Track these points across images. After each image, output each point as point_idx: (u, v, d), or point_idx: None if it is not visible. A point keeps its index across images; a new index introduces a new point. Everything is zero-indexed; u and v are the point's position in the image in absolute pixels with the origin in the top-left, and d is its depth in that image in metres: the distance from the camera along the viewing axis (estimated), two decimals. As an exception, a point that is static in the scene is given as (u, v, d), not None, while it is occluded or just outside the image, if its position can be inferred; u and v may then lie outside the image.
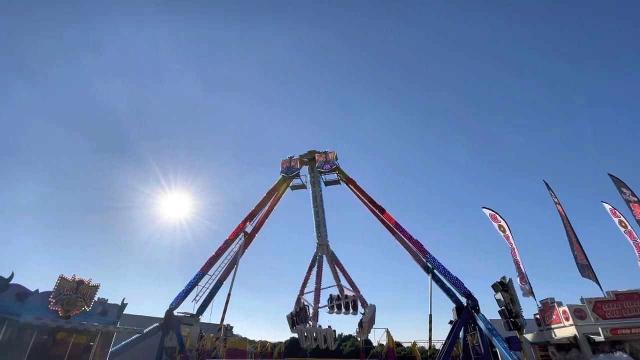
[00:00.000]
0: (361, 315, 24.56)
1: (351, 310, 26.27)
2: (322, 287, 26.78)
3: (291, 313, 24.84)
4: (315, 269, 27.61)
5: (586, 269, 17.95)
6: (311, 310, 25.72)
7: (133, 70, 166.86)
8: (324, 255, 28.01)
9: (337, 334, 61.66)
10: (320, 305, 26.05)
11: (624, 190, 19.16)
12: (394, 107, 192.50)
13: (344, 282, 27.32)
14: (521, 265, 20.14)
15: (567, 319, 15.75)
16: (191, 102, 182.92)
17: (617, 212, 19.47)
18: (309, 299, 26.30)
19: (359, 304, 26.11)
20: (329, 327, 23.36)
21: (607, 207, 20.05)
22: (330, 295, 27.47)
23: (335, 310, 26.50)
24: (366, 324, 23.35)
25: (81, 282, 14.72)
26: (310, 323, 24.46)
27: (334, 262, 27.73)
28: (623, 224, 18.85)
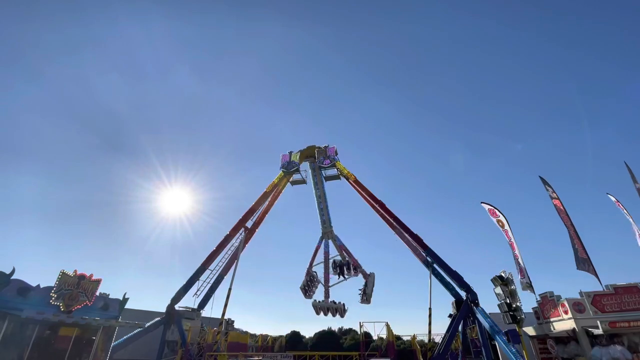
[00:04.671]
0: (363, 284, 27.03)
1: (352, 272, 28.30)
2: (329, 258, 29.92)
3: (302, 284, 27.93)
4: (322, 248, 30.06)
5: (585, 263, 18.00)
6: (319, 279, 28.94)
7: (133, 66, 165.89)
8: (329, 241, 29.98)
9: (338, 328, 62.23)
10: (330, 284, 29.06)
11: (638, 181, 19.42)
12: (393, 103, 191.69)
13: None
14: (519, 260, 20.18)
15: (565, 313, 15.81)
16: (191, 98, 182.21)
17: (621, 204, 19.68)
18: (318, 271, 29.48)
19: (360, 270, 28.24)
20: (340, 302, 27.03)
21: (612, 199, 20.26)
22: (334, 260, 29.43)
23: (338, 271, 28.67)
24: (370, 287, 26.22)
25: (82, 277, 14.73)
26: (324, 299, 28.03)
27: (339, 245, 29.82)
28: (630, 216, 19.09)
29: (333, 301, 27.32)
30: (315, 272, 29.22)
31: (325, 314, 26.81)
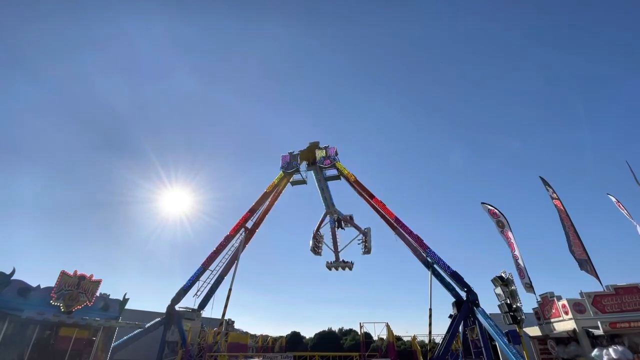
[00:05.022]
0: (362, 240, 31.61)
1: (349, 225, 32.84)
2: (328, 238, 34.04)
3: (311, 246, 32.52)
4: (326, 221, 34.00)
5: (585, 264, 17.95)
6: (322, 236, 33.87)
7: (133, 66, 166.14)
8: (334, 216, 33.28)
9: (338, 328, 62.33)
10: (340, 258, 33.30)
11: None
12: (393, 102, 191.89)
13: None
14: (520, 260, 20.13)
15: (566, 313, 15.79)
16: (191, 98, 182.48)
17: (621, 204, 19.67)
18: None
19: (360, 230, 32.28)
20: (348, 260, 32.09)
21: (613, 199, 20.24)
22: (335, 217, 33.42)
23: (337, 225, 33.07)
24: (369, 240, 30.46)
25: (82, 277, 14.75)
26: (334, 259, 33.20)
27: (342, 217, 33.21)
28: (630, 216, 19.08)
29: (343, 260, 32.24)
30: (320, 232, 33.75)
31: (337, 270, 32.32)
